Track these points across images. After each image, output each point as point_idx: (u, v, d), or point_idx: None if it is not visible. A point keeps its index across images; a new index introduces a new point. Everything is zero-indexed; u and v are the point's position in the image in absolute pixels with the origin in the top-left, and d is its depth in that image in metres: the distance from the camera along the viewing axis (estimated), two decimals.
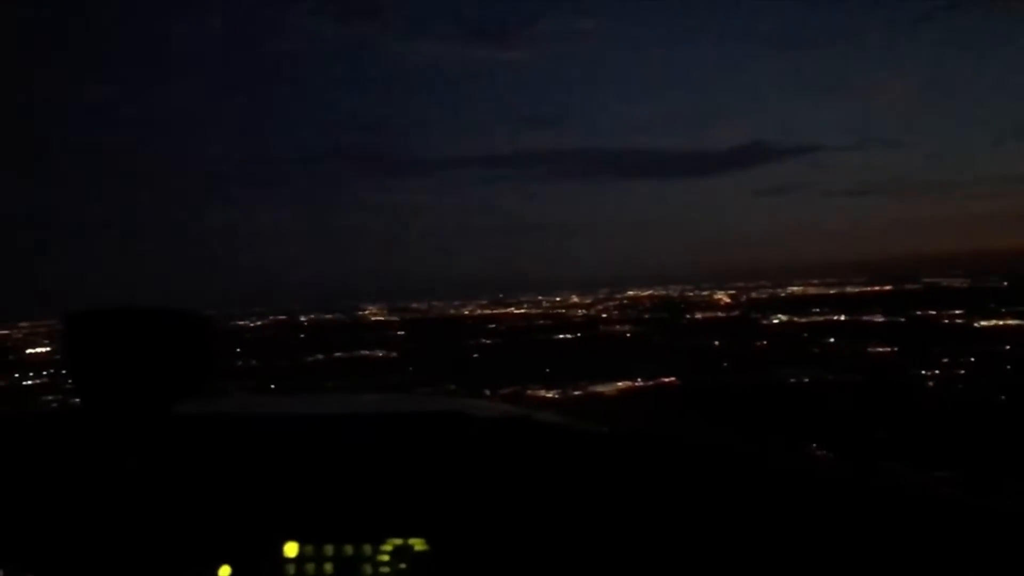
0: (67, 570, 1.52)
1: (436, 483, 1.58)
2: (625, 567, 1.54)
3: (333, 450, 1.58)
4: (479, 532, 1.57)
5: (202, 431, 1.62)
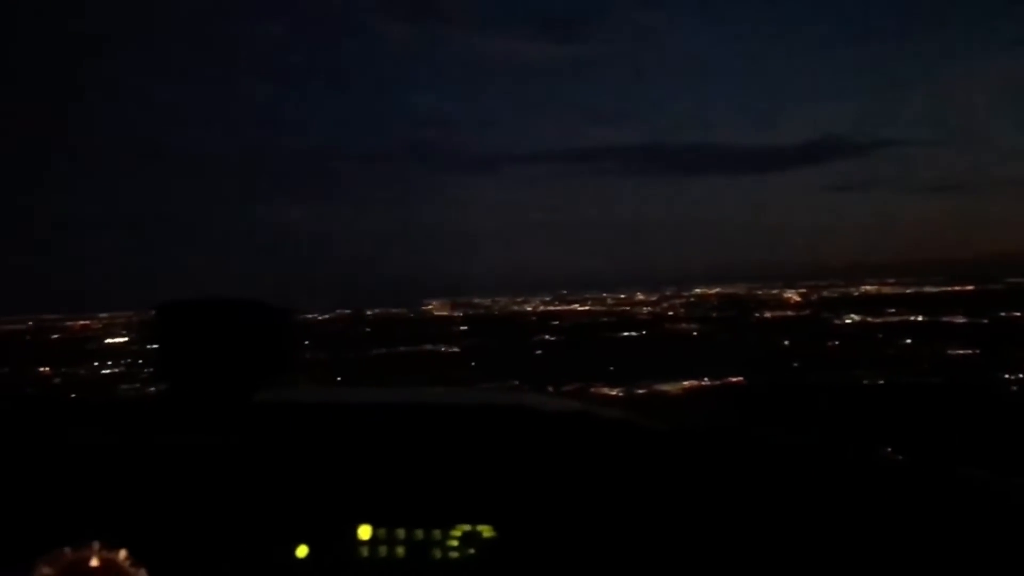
0: (157, 544, 1.62)
1: (504, 473, 1.62)
2: (687, 562, 1.55)
3: (406, 439, 1.65)
4: (544, 522, 1.60)
5: (281, 418, 1.71)
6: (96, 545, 1.63)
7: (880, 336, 40.32)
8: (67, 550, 1.62)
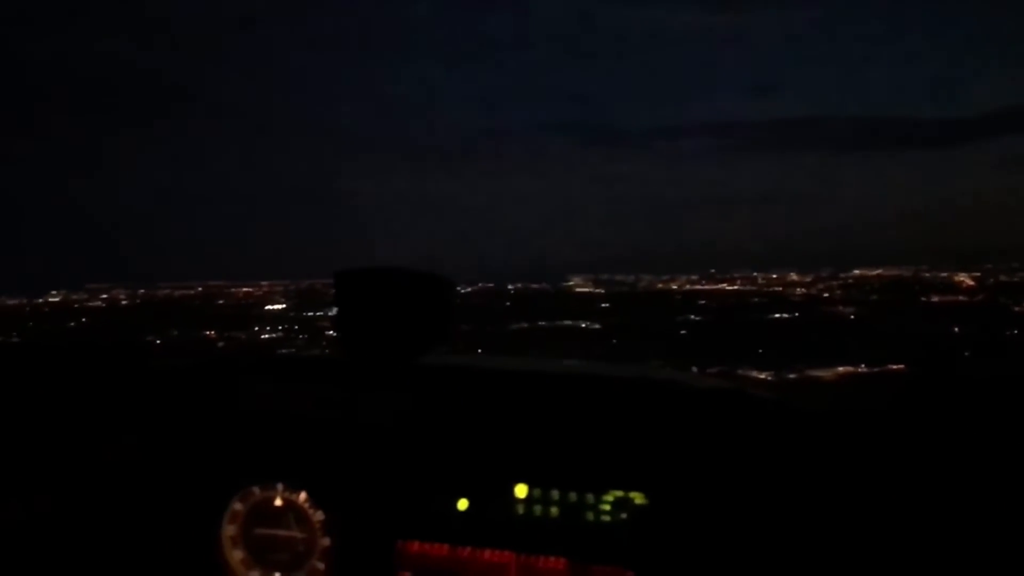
0: (333, 489, 1.77)
1: (659, 444, 1.64)
2: (837, 546, 1.52)
3: (565, 405, 1.70)
4: (696, 495, 1.61)
5: (448, 379, 1.81)
6: (280, 486, 1.81)
7: None
8: (255, 489, 1.81)
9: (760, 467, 1.62)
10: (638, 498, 1.63)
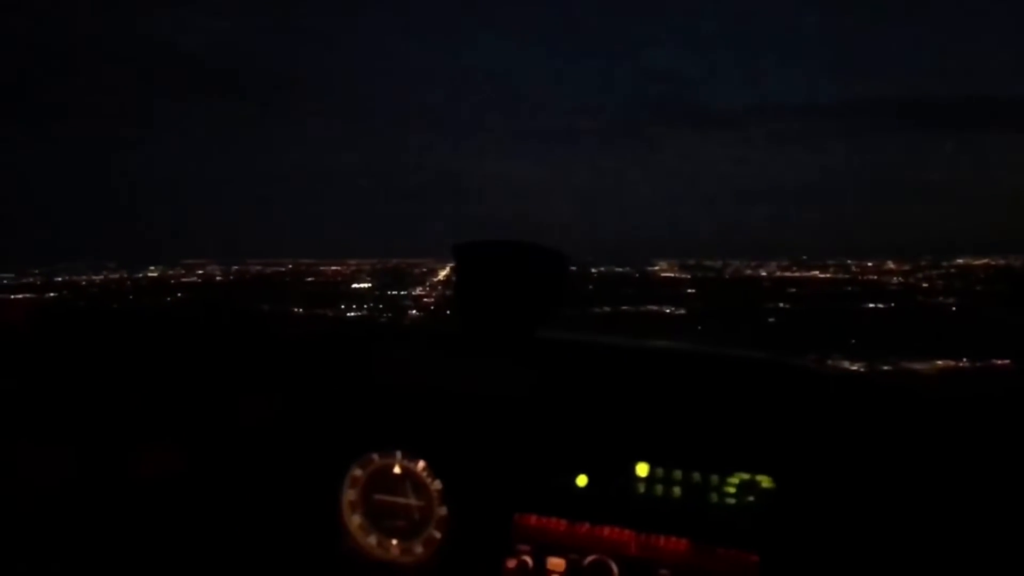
0: (452, 460, 1.78)
1: (787, 427, 1.59)
2: (969, 536, 1.46)
3: (688, 384, 1.67)
4: (825, 480, 1.56)
5: (566, 354, 1.80)
6: (399, 454, 1.84)
7: None
8: (375, 456, 1.85)
9: (891, 454, 1.56)
10: (765, 481, 1.58)
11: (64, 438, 1.93)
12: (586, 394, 1.70)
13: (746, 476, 1.59)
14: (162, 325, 2.17)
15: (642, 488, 1.64)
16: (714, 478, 1.61)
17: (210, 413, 1.90)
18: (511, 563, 1.67)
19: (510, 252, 1.82)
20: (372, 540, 1.84)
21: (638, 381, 1.69)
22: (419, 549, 1.80)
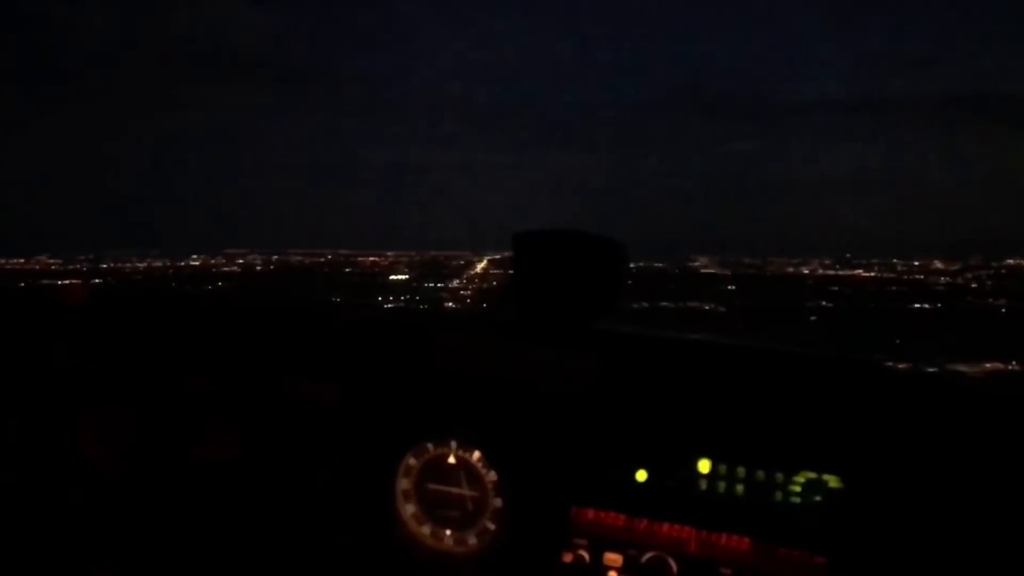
0: (508, 451, 1.77)
1: (856, 426, 1.54)
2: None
3: (752, 379, 1.62)
4: (896, 482, 1.51)
5: (630, 346, 1.77)
6: (454, 444, 1.82)
7: None
8: (429, 445, 1.84)
9: (964, 456, 1.50)
10: (833, 481, 1.53)
11: (126, 420, 1.96)
12: (647, 387, 1.66)
13: (812, 475, 1.54)
14: (222, 310, 2.19)
15: (703, 485, 1.60)
16: (779, 476, 1.56)
17: (268, 399, 1.91)
18: (567, 557, 1.64)
19: (569, 241, 1.79)
20: (426, 530, 1.83)
21: (701, 375, 1.65)
22: (473, 540, 1.78)
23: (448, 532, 1.81)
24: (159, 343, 2.03)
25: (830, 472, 1.53)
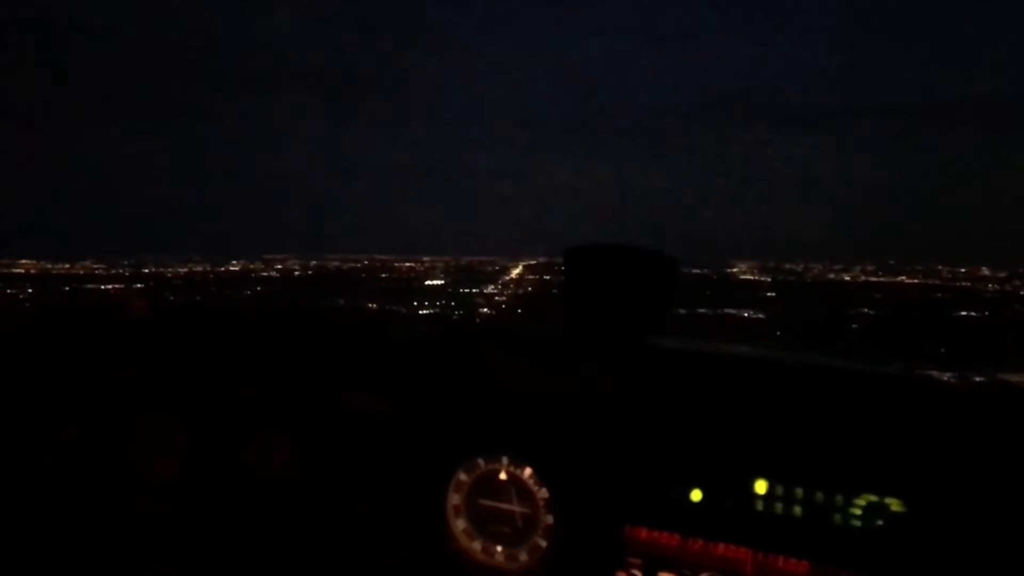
0: (560, 468, 1.76)
1: (921, 448, 1.50)
2: None
3: (814, 397, 1.59)
4: (962, 506, 1.46)
5: (685, 363, 1.75)
6: (505, 460, 1.82)
7: None
8: (480, 461, 1.83)
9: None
10: (895, 505, 1.49)
11: (184, 430, 1.99)
12: (703, 405, 1.64)
13: (874, 498, 1.50)
14: (276, 321, 2.22)
15: (760, 505, 1.57)
16: (838, 498, 1.52)
17: (321, 410, 1.93)
18: None
19: (620, 256, 1.78)
20: (477, 545, 1.83)
21: (758, 393, 1.62)
22: (524, 557, 1.77)
23: (499, 548, 1.80)
24: (220, 356, 2.06)
25: (892, 495, 1.49)
